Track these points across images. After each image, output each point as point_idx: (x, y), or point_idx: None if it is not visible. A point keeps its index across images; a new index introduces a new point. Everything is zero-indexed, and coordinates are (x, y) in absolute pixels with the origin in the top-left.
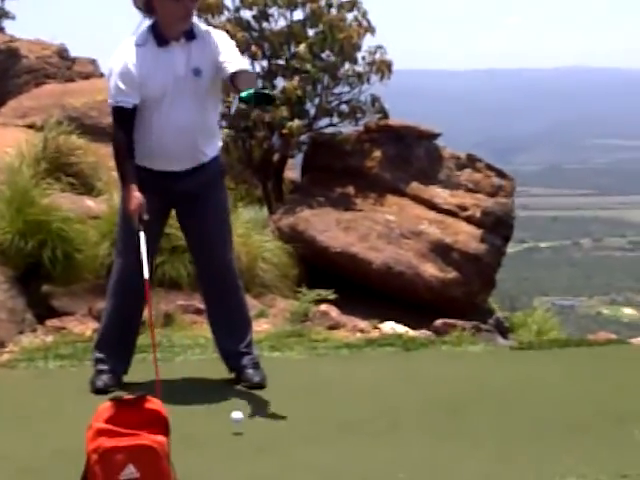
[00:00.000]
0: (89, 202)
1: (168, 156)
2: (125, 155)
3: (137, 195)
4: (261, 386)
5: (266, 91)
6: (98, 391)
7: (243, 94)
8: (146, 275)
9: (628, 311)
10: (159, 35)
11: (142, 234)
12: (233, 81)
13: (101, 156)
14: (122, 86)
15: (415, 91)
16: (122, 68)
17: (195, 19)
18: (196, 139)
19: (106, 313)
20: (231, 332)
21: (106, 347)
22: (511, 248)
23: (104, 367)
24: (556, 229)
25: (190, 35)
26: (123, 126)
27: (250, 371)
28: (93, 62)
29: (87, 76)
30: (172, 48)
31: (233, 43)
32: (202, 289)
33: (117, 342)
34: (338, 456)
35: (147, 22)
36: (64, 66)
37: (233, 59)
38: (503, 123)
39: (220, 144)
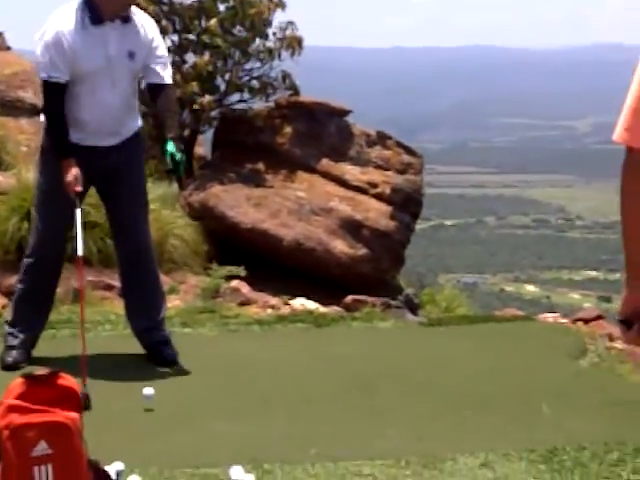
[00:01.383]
0: None
1: (95, 132)
2: (60, 128)
3: (74, 168)
4: (173, 363)
5: (179, 161)
6: (7, 367)
7: (170, 150)
8: (80, 252)
9: (530, 288)
10: (94, 13)
11: (78, 210)
12: (153, 91)
13: (9, 129)
14: (56, 61)
15: (323, 67)
16: (55, 42)
17: None
18: (122, 117)
19: (20, 287)
20: (146, 310)
21: (18, 322)
22: (417, 225)
23: (14, 342)
24: (461, 207)
25: (126, 18)
26: (57, 100)
27: (162, 347)
28: (0, 35)
29: None
30: (106, 28)
31: (162, 40)
32: (120, 266)
33: (29, 317)
34: (253, 430)
35: None
36: None
37: (161, 67)
38: (409, 101)
39: (140, 121)
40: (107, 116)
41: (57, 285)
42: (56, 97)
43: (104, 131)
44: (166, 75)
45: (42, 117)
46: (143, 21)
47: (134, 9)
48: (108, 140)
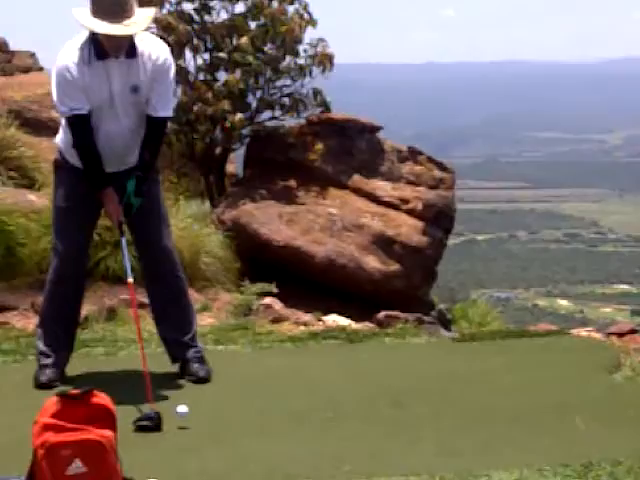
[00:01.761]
0: (30, 196)
1: (104, 160)
2: (95, 160)
3: (115, 198)
4: (206, 380)
5: (132, 203)
6: (42, 386)
7: (128, 190)
8: (130, 279)
9: (564, 302)
10: (98, 48)
11: (124, 239)
12: (147, 122)
13: (42, 150)
14: (71, 94)
15: (355, 84)
16: (65, 77)
17: (142, 33)
18: (130, 147)
19: (46, 307)
20: (174, 323)
21: (49, 341)
22: (449, 240)
23: (47, 361)
24: (493, 222)
25: (131, 52)
26: (85, 131)
27: (195, 365)
28: (32, 55)
29: (26, 69)
30: (111, 63)
31: (172, 73)
32: (145, 280)
33: (59, 336)
34: (286, 448)
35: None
36: (4, 59)
37: (157, 100)
38: (440, 116)
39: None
40: (113, 148)
41: (82, 302)
42: (83, 129)
43: (112, 160)
44: (160, 109)
45: (57, 138)
46: (152, 51)
47: (145, 36)
48: (117, 167)
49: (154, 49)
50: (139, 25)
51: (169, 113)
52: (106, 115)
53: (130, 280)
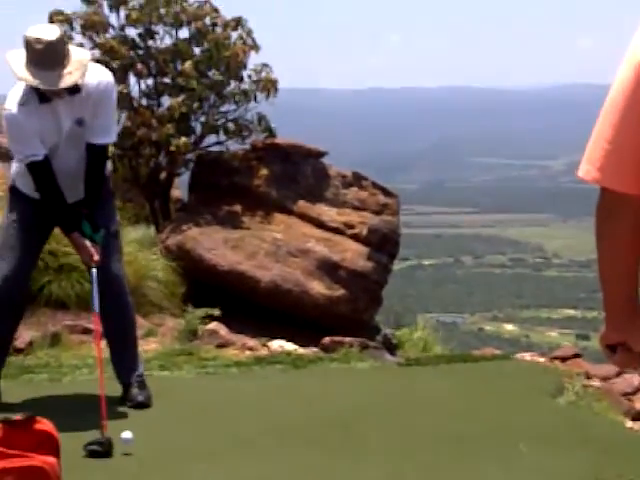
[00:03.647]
0: None
1: None
2: (61, 203)
3: (86, 241)
4: (145, 405)
5: (98, 241)
6: None
7: (88, 233)
8: (96, 309)
9: (509, 327)
10: (41, 93)
11: (94, 271)
12: (86, 149)
13: None
14: (25, 142)
15: (301, 109)
16: (17, 127)
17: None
18: (82, 178)
19: None
20: (121, 346)
21: None
22: (395, 265)
23: None
24: (438, 247)
25: (73, 89)
26: (46, 176)
27: (135, 390)
28: None
29: None
30: (55, 104)
31: (114, 98)
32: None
33: None
34: (228, 472)
35: None
36: None
37: (97, 127)
38: (386, 142)
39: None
40: (67, 182)
41: (17, 328)
42: (42, 173)
43: (68, 193)
44: (100, 135)
45: (12, 167)
46: (94, 81)
47: (89, 65)
48: (74, 198)
49: (96, 78)
50: (73, 76)
51: (111, 139)
52: (58, 152)
53: (96, 310)
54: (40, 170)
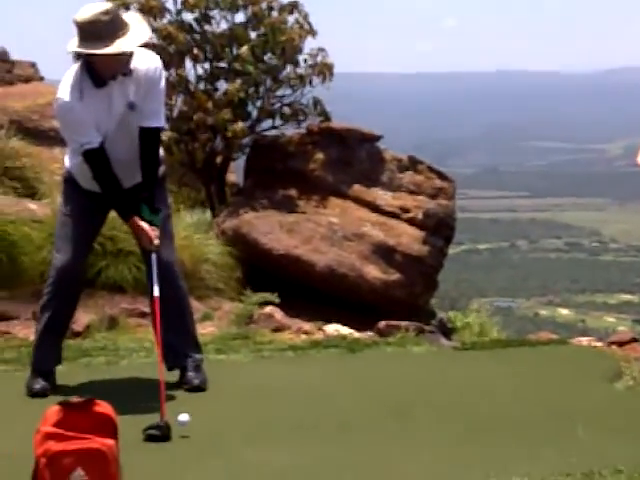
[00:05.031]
0: (32, 205)
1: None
2: (114, 187)
3: (144, 225)
4: (200, 389)
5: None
6: (35, 394)
7: (147, 218)
8: (156, 293)
9: (565, 312)
10: (95, 77)
11: (154, 256)
12: (140, 133)
13: (43, 159)
14: (79, 130)
15: (355, 93)
16: (70, 115)
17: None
18: (136, 164)
19: (42, 314)
20: (173, 332)
21: (43, 350)
22: (450, 250)
23: (41, 370)
24: (493, 231)
25: (127, 70)
26: (100, 164)
27: (191, 373)
28: (33, 65)
29: (27, 79)
30: (110, 88)
31: (163, 83)
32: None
33: (54, 344)
34: (287, 457)
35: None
36: (4, 69)
37: (149, 111)
38: (440, 126)
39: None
40: (123, 168)
41: (74, 310)
42: (98, 162)
43: (124, 179)
44: (151, 119)
45: (65, 159)
46: (143, 65)
47: (137, 50)
48: (130, 183)
49: (145, 62)
50: (127, 44)
51: (161, 123)
52: (113, 137)
53: (156, 295)
54: (97, 158)
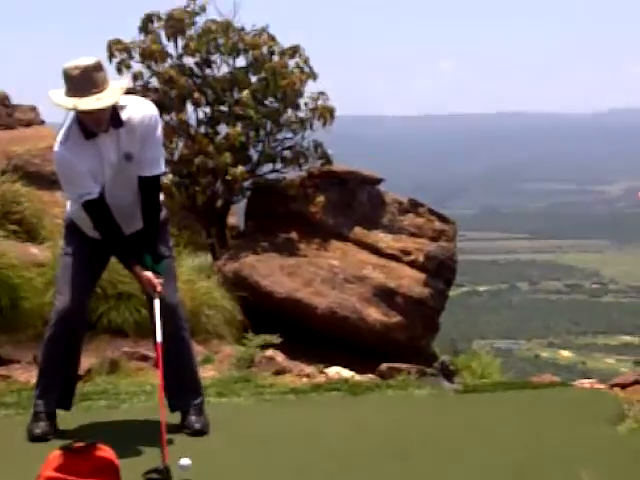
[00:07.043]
0: (33, 249)
1: None
2: (116, 235)
3: (146, 272)
4: (202, 432)
5: (160, 271)
6: (35, 439)
7: (150, 266)
8: (159, 339)
9: (566, 353)
10: (85, 129)
11: (157, 301)
12: (139, 182)
13: (45, 203)
14: (77, 182)
15: (354, 136)
16: (67, 167)
17: (121, 100)
18: (136, 212)
19: (43, 356)
20: (177, 373)
21: (44, 394)
22: (450, 292)
23: (41, 414)
24: (494, 273)
25: (117, 122)
26: (100, 214)
27: (192, 418)
28: (34, 109)
29: (28, 123)
30: (100, 139)
31: (159, 130)
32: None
33: (54, 388)
34: None
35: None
36: (5, 113)
37: (147, 161)
38: (440, 168)
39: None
40: (122, 217)
41: (79, 358)
42: (98, 211)
43: (124, 227)
44: (151, 168)
45: (67, 205)
46: (138, 114)
47: (129, 101)
48: (129, 231)
49: (139, 112)
50: (110, 98)
51: (161, 170)
52: (110, 187)
53: (159, 340)
54: (96, 208)
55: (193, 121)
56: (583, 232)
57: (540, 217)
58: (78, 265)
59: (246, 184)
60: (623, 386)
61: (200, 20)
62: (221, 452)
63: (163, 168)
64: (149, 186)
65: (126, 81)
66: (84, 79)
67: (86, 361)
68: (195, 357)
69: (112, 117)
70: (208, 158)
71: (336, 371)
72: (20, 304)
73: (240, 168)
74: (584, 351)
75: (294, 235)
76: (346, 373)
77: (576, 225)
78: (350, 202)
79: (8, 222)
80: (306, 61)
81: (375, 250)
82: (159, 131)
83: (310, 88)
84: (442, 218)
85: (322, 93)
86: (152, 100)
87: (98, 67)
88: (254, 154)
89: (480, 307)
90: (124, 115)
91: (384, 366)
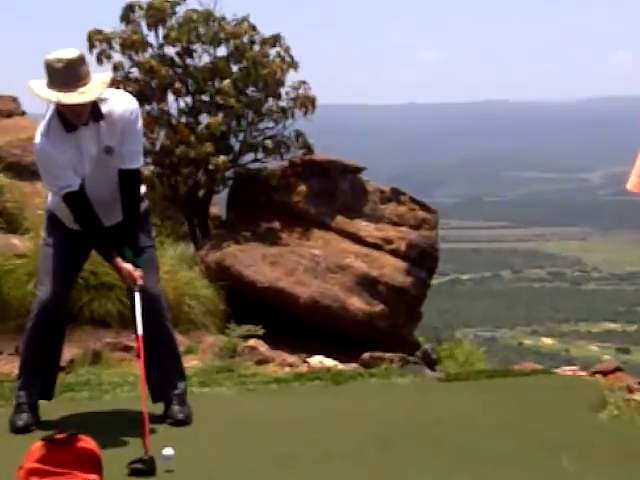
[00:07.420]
0: (15, 240)
1: None
2: (96, 228)
3: (126, 265)
4: (185, 422)
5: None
6: (18, 430)
7: (130, 259)
8: (140, 332)
9: (548, 341)
10: (66, 122)
11: (137, 294)
12: (119, 175)
13: (26, 194)
14: (58, 174)
15: (337, 125)
16: (48, 160)
17: (104, 93)
18: (116, 205)
19: (25, 347)
20: (159, 364)
21: (26, 385)
22: (433, 280)
23: (24, 406)
24: (477, 261)
25: (97, 115)
26: (80, 206)
27: (175, 408)
28: (15, 100)
29: (9, 114)
30: (81, 132)
31: (140, 124)
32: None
33: (36, 380)
34: None
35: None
36: None
37: (127, 154)
38: (422, 157)
39: (144, 199)
40: (102, 209)
41: (61, 348)
42: (78, 204)
43: (104, 220)
44: (130, 161)
45: (48, 198)
46: (118, 108)
47: (110, 94)
48: (107, 222)
49: (120, 105)
50: (93, 92)
51: (140, 164)
52: (90, 180)
53: (140, 333)
54: (77, 200)
55: (174, 111)
56: (565, 220)
57: (522, 205)
58: (59, 256)
59: (228, 174)
60: (605, 373)
61: (181, 10)
62: (204, 442)
63: (142, 162)
64: (129, 179)
65: (109, 74)
66: (68, 72)
67: (68, 352)
68: (178, 347)
69: (92, 110)
70: (190, 148)
71: (319, 360)
72: (1, 295)
73: (222, 158)
74: (567, 338)
75: (276, 224)
76: (329, 362)
77: (558, 213)
78: (332, 191)
79: None
80: (287, 50)
81: (357, 239)
82: (139, 125)
83: (291, 77)
84: (424, 207)
85: (303, 82)
86: (133, 90)
87: (81, 60)
88: (236, 144)
89: (464, 295)
90: (104, 108)
91: (367, 355)
